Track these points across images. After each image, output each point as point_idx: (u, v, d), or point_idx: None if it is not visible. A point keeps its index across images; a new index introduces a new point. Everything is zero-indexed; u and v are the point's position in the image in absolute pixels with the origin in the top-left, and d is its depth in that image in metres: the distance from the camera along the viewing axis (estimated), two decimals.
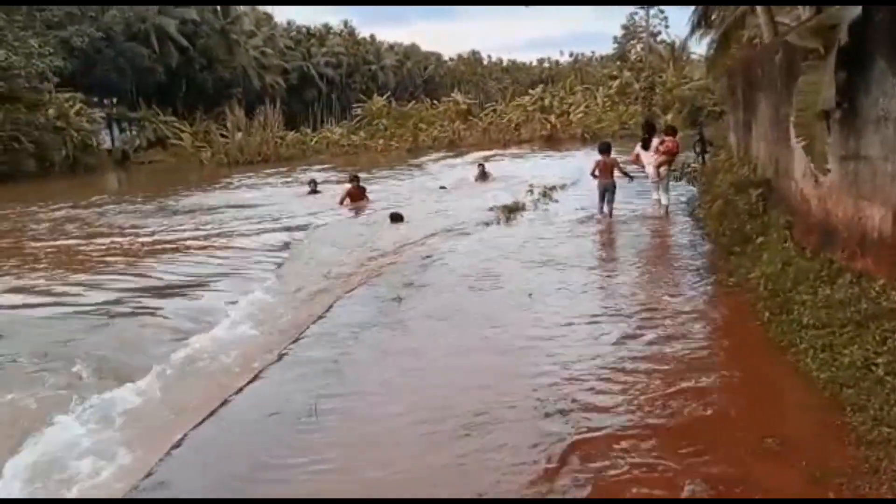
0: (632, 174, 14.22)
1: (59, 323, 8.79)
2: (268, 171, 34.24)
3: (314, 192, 20.70)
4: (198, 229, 15.71)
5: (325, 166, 34.70)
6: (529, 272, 9.67)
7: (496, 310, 8.10)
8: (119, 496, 4.98)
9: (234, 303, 9.28)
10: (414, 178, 25.15)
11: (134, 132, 53.09)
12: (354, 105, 59.91)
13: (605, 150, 13.53)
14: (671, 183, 14.07)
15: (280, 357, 7.18)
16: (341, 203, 18.20)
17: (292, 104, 67.49)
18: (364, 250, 12.34)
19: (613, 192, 13.36)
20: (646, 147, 13.61)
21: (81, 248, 13.96)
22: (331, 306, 8.84)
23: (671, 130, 14.08)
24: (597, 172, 13.39)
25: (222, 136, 48.37)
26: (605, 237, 12.04)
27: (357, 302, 9.03)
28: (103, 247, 13.95)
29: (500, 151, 37.36)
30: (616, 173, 13.31)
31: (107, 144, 50.18)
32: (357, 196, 18.50)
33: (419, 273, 10.22)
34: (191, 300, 9.66)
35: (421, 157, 37.85)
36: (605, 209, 13.27)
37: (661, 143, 13.53)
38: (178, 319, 8.68)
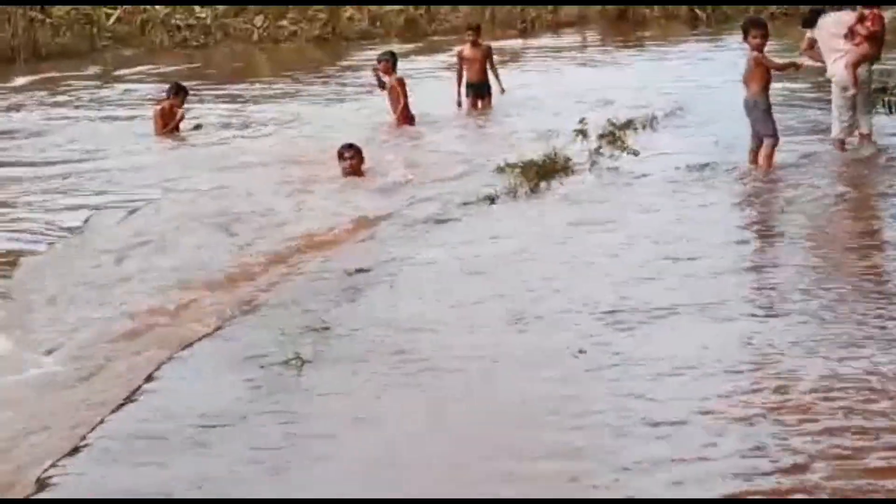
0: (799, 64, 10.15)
1: None
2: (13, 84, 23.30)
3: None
4: None
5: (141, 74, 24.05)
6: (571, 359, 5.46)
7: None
8: None
9: None
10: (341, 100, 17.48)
11: None
12: None
13: (756, 27, 9.59)
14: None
15: None
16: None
17: None
18: (237, 247, 8.29)
19: (766, 114, 9.48)
20: (810, 25, 9.95)
21: None
22: (149, 376, 5.64)
23: None
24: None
25: None
26: (756, 224, 8.16)
27: (205, 368, 5.84)
28: None
29: (513, 45, 25.36)
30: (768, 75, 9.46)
31: None
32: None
33: (338, 304, 6.65)
34: None
35: (350, 54, 26.50)
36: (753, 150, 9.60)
37: (860, 19, 9.57)
38: None
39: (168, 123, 13.97)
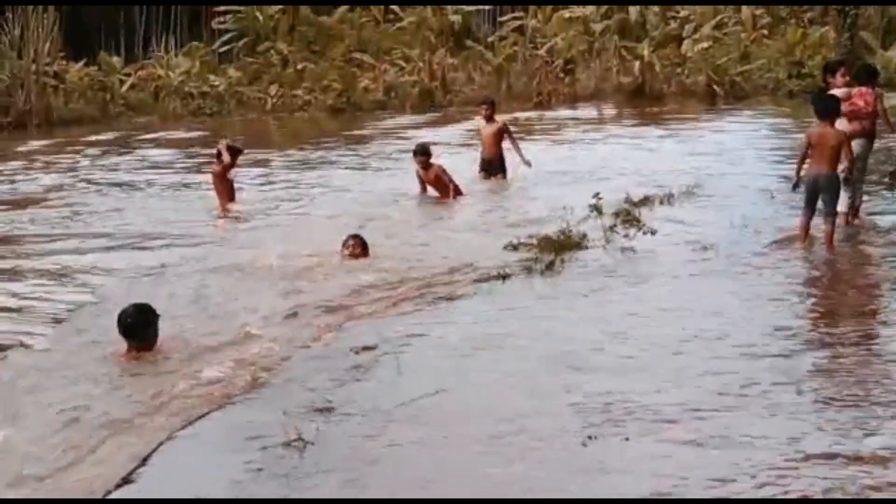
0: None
1: None
2: (25, 147, 23.15)
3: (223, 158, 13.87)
4: None
5: (153, 138, 24.48)
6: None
7: None
8: None
9: None
10: (355, 175, 17.36)
11: None
12: (218, 10, 37.81)
13: (828, 111, 9.52)
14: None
15: None
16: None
17: (82, 10, 38.31)
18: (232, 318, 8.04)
19: (834, 193, 9.46)
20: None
21: None
22: (147, 456, 5.34)
23: (866, 74, 10.70)
24: (808, 153, 9.54)
25: None
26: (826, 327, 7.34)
27: (204, 449, 5.59)
28: None
29: (531, 117, 25.26)
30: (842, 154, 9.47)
31: None
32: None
33: (341, 385, 6.33)
34: None
35: (362, 125, 26.47)
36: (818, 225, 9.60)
37: (846, 97, 9.99)
38: None
39: (227, 187, 13.57)
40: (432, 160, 13.68)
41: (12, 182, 17.79)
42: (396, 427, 5.62)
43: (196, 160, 19.56)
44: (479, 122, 15.10)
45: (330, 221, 12.18)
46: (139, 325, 6.98)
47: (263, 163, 18.76)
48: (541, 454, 5.06)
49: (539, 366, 6.51)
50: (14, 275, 10.27)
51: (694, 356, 6.48)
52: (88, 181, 17.56)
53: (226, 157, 13.39)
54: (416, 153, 13.77)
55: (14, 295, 9.41)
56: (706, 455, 4.87)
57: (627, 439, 5.11)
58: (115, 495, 4.94)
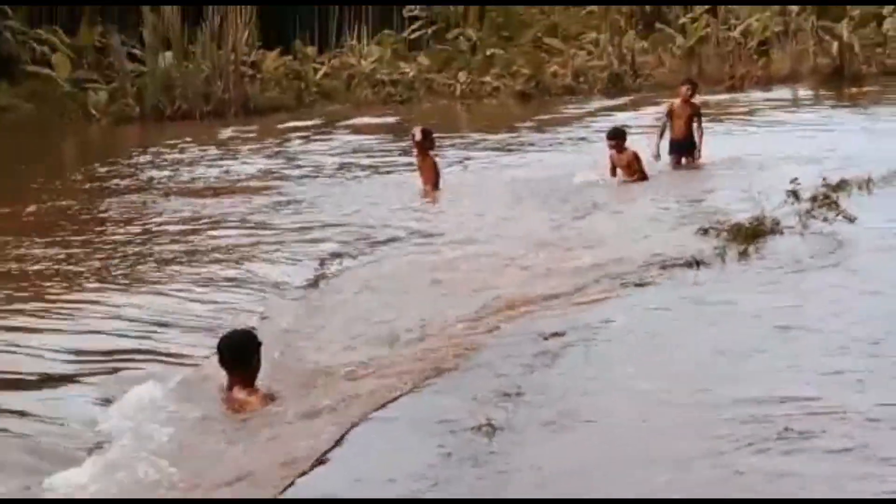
0: None
1: None
2: (228, 135, 23.69)
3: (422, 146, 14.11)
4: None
5: (346, 124, 24.77)
6: None
7: None
8: None
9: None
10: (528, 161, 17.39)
11: None
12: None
13: None
14: None
15: None
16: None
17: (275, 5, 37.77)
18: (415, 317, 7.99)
19: None
20: None
21: None
22: (340, 438, 5.36)
23: None
24: None
25: (132, 58, 30.95)
26: None
27: (395, 432, 5.57)
28: None
29: (723, 100, 24.78)
30: None
31: None
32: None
33: (530, 371, 6.19)
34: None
35: (550, 110, 26.10)
36: None
37: None
38: None
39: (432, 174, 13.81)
40: (626, 144, 13.64)
41: (220, 167, 18.52)
42: (586, 412, 5.54)
43: (397, 145, 19.87)
44: (673, 101, 14.88)
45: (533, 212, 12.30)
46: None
47: (459, 147, 19.09)
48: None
49: (734, 354, 6.30)
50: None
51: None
52: (292, 166, 18.28)
53: (425, 142, 13.66)
54: (610, 136, 13.72)
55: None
56: None
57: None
58: (311, 475, 5.02)
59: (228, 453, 5.53)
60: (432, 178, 13.70)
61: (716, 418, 5.18)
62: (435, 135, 14.42)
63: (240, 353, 6.14)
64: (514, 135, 21.64)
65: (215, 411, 6.12)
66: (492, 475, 4.83)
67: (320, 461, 5.17)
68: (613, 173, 13.69)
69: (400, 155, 17.89)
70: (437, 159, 14.05)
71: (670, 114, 14.59)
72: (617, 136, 13.74)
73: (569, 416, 5.48)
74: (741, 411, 5.20)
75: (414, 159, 14.20)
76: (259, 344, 6.28)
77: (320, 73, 32.95)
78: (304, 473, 5.04)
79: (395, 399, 6.02)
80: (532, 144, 19.96)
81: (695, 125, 14.46)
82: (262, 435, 5.72)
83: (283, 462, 5.22)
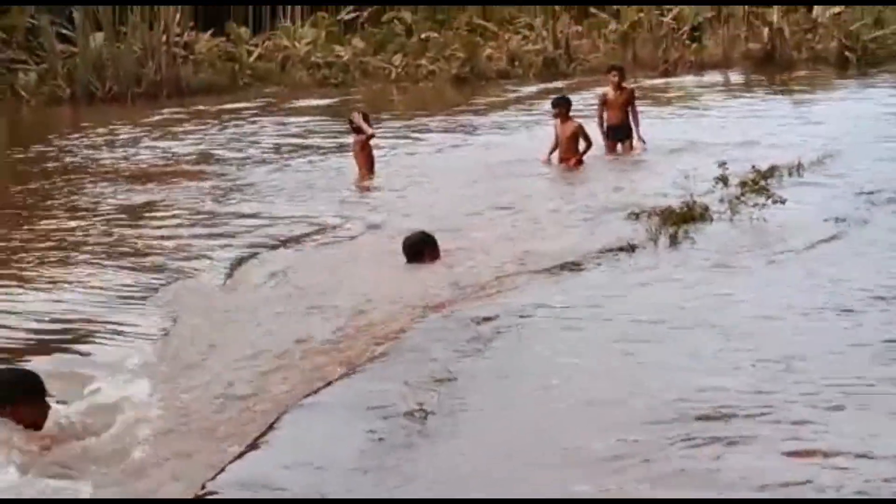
0: None
1: None
2: (161, 116, 23.52)
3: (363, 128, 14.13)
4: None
5: (282, 107, 24.99)
6: None
7: None
8: None
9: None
10: (465, 144, 17.62)
11: None
12: None
13: None
14: None
15: None
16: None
17: None
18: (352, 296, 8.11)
19: None
20: None
21: None
22: (271, 424, 5.34)
23: None
24: None
25: (63, 38, 30.42)
26: None
27: (327, 417, 5.52)
28: None
29: (657, 84, 25.51)
30: None
31: None
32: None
33: (462, 357, 6.17)
34: None
35: (484, 95, 26.45)
36: None
37: None
38: None
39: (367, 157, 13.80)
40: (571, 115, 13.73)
41: (155, 150, 18.39)
42: (519, 397, 5.58)
43: (331, 129, 19.89)
44: (606, 89, 14.96)
45: (460, 192, 12.41)
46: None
47: (395, 131, 19.03)
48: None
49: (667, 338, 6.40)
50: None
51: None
52: (229, 148, 18.25)
53: (366, 128, 13.60)
54: (554, 104, 13.80)
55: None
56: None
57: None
58: (243, 461, 4.97)
59: None
60: (367, 163, 13.73)
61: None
62: (372, 119, 14.43)
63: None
64: (452, 118, 21.67)
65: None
66: (426, 459, 4.82)
67: (252, 446, 5.12)
68: (554, 148, 13.82)
69: (335, 138, 17.90)
70: (372, 143, 14.06)
71: (604, 103, 14.65)
72: (560, 104, 13.82)
73: (501, 400, 5.51)
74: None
75: (351, 143, 14.20)
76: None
77: (254, 55, 32.67)
78: (236, 458, 4.99)
79: (326, 386, 5.98)
80: (474, 128, 19.99)
81: (630, 111, 14.61)
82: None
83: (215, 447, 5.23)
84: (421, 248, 8.62)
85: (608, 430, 4.95)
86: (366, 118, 13.90)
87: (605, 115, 14.60)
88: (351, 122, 13.88)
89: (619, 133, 14.60)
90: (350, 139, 14.23)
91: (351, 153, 14.07)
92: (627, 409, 5.17)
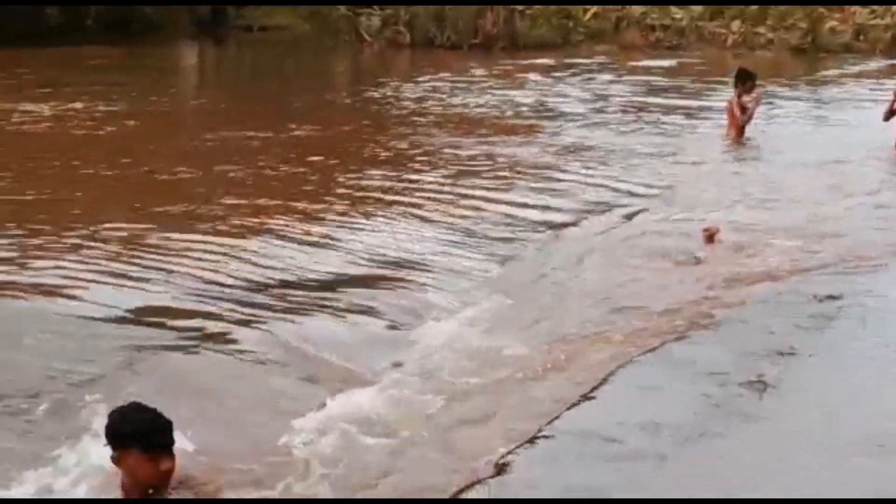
0: None
1: None
2: (498, 66, 23.82)
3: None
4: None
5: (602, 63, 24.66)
6: None
7: None
8: None
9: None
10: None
11: None
12: None
13: None
14: None
15: None
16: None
17: None
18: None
19: None
20: None
21: None
22: (604, 378, 5.56)
23: None
24: None
25: None
26: None
27: (662, 375, 5.66)
28: None
29: None
30: None
31: None
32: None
33: (805, 331, 6.13)
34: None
35: (828, 68, 24.98)
36: None
37: None
38: None
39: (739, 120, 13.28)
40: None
41: (497, 98, 18.33)
42: (857, 378, 5.50)
43: (678, 90, 19.70)
44: None
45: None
46: None
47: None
48: None
49: None
50: None
51: None
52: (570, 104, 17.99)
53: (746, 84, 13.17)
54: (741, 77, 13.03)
55: None
56: None
57: None
58: (579, 409, 5.18)
59: None
60: (738, 123, 13.12)
61: None
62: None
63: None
64: (812, 89, 20.95)
65: None
66: (761, 433, 4.83)
67: (586, 397, 5.30)
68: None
69: (686, 100, 17.63)
70: (749, 104, 13.24)
71: None
72: (743, 78, 12.93)
73: (843, 385, 5.40)
74: None
75: (724, 102, 13.77)
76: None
77: (589, 13, 32.72)
78: (572, 406, 5.21)
79: (660, 346, 6.06)
80: (827, 101, 18.62)
81: None
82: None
83: (555, 398, 5.42)
84: None
85: None
86: (749, 76, 13.33)
87: None
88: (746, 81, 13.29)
89: None
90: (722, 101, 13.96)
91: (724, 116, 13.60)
92: None
